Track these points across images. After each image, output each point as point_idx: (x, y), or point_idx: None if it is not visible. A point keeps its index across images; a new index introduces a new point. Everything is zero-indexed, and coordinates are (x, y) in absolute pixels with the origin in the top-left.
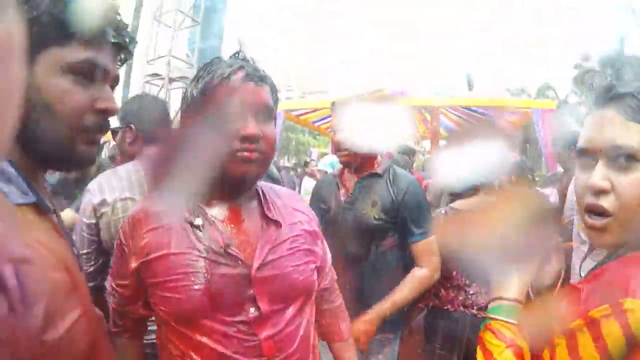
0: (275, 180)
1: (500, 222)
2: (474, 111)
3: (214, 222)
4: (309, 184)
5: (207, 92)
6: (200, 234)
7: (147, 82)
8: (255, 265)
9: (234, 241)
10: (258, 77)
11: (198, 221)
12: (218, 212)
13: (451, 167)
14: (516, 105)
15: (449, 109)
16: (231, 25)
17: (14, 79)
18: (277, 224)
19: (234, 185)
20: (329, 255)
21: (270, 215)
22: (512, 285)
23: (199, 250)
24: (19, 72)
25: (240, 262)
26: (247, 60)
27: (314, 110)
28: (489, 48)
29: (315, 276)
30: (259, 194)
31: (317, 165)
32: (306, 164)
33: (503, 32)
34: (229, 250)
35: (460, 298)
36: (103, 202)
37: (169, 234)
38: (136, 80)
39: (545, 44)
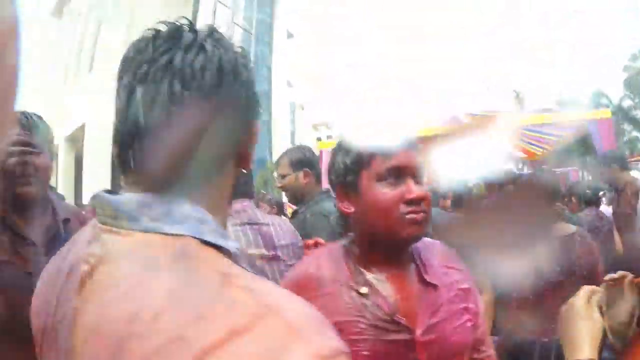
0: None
1: (502, 220)
2: (530, 130)
3: (377, 289)
4: None
5: (364, 160)
6: (366, 301)
7: None
8: (419, 331)
9: (397, 307)
10: (409, 141)
11: (364, 289)
12: (380, 277)
13: (450, 167)
14: (571, 118)
15: None
16: (279, 69)
17: (10, 70)
18: (435, 286)
19: (400, 248)
20: (482, 307)
21: (427, 278)
22: (584, 344)
23: (365, 318)
24: (15, 63)
25: (404, 327)
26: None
27: None
28: (497, 52)
29: (471, 335)
30: (414, 256)
31: None
32: None
33: (510, 36)
34: (395, 317)
35: (553, 327)
36: None
37: (335, 301)
38: None
39: (552, 47)
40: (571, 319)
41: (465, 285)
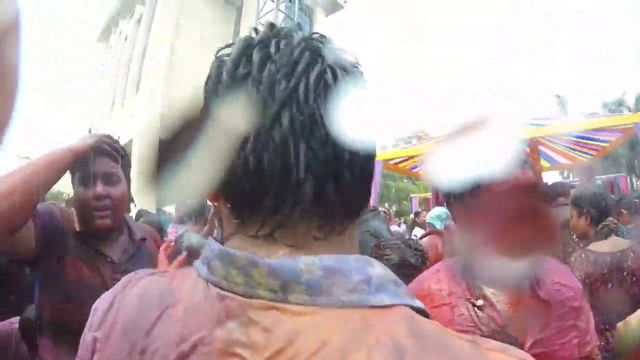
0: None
1: (500, 218)
2: (576, 137)
3: (492, 302)
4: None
5: (482, 182)
6: (480, 313)
7: None
8: (528, 344)
9: (509, 320)
10: (522, 160)
11: (479, 302)
12: (495, 291)
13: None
14: (618, 123)
15: (548, 138)
16: None
17: (11, 70)
18: (547, 302)
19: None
20: (592, 325)
21: (540, 294)
22: None
23: (479, 329)
24: (16, 63)
25: (514, 340)
26: None
27: (410, 158)
28: (498, 52)
29: (577, 352)
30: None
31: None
32: (417, 214)
33: (512, 37)
34: (506, 330)
35: (602, 344)
36: None
37: (452, 311)
38: None
39: (554, 48)
40: (627, 337)
41: (576, 303)
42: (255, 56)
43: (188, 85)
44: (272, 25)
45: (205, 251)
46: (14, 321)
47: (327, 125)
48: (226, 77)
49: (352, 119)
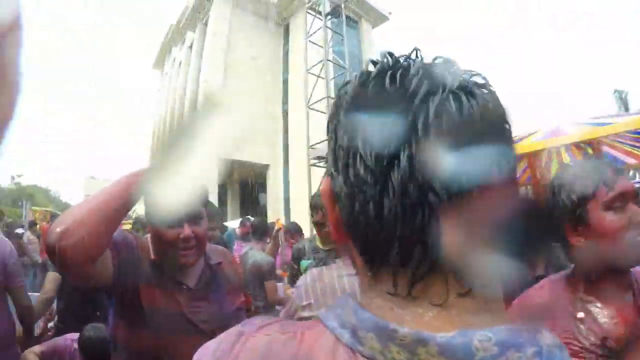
0: None
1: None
2: (638, 133)
3: (594, 315)
4: None
5: (589, 192)
6: (581, 326)
7: (312, 165)
8: (628, 358)
9: (610, 333)
10: (620, 168)
11: (580, 314)
12: (598, 304)
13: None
14: None
15: (613, 137)
16: None
17: (12, 70)
18: None
19: (624, 273)
20: None
21: None
22: None
23: (578, 341)
24: (16, 63)
25: (614, 354)
26: None
27: None
28: (508, 52)
29: None
30: (633, 284)
31: None
32: None
33: (521, 37)
34: (606, 343)
35: None
36: (307, 307)
37: (554, 324)
38: (296, 163)
39: (561, 47)
40: None
41: None
42: (371, 91)
43: (243, 106)
44: (389, 55)
45: (346, 314)
46: (70, 337)
47: (450, 161)
48: (342, 114)
49: (477, 151)
